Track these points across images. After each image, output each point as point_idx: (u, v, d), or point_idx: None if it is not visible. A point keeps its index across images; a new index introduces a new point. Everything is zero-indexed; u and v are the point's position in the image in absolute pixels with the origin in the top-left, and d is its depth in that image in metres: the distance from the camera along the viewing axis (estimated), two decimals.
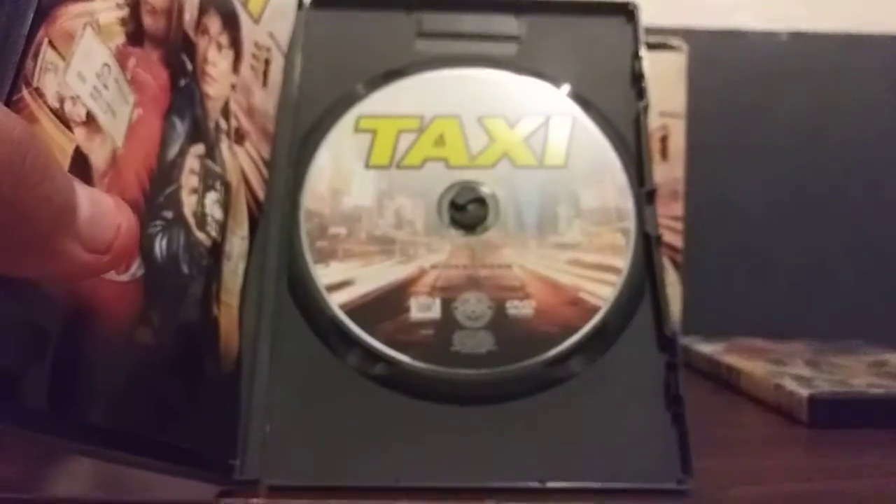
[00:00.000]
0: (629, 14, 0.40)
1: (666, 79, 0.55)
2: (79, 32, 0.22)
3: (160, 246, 0.26)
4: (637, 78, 0.39)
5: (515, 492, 0.30)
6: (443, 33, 0.40)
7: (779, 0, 0.72)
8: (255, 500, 0.29)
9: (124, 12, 0.25)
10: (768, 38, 0.71)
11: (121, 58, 0.24)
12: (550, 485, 0.30)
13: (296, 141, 0.37)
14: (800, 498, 0.31)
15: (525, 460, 0.31)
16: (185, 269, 0.28)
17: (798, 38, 0.71)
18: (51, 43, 0.20)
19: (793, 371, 0.47)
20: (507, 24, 0.40)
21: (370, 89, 0.38)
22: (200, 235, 0.29)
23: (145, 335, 0.25)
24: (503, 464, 0.31)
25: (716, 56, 0.69)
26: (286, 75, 0.38)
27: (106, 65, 0.23)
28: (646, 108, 0.38)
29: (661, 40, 0.55)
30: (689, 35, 0.58)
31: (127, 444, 0.23)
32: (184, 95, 0.29)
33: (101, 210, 0.19)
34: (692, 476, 0.30)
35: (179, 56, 0.29)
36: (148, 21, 0.26)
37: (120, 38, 0.24)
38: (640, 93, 0.38)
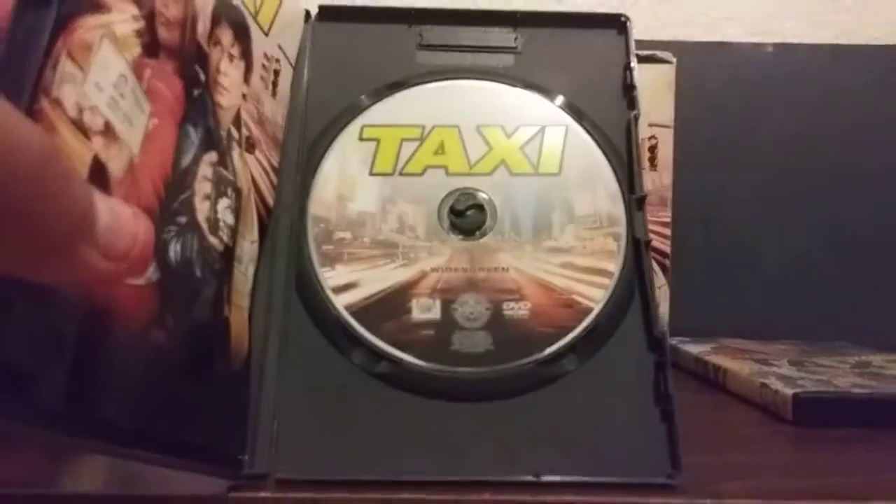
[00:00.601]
0: (621, 26, 0.42)
1: (655, 90, 0.56)
2: (96, 44, 0.22)
3: (175, 250, 0.27)
4: (628, 88, 0.40)
5: (511, 485, 0.31)
6: (443, 45, 0.41)
7: (766, 13, 0.74)
8: (263, 494, 0.29)
9: (140, 24, 0.25)
10: (755, 49, 0.73)
11: (137, 68, 0.25)
12: (545, 478, 0.31)
13: (303, 149, 0.38)
14: (785, 493, 0.31)
15: (521, 455, 0.32)
16: (199, 272, 0.29)
17: (784, 49, 0.73)
18: (69, 54, 0.21)
19: (778, 371, 0.48)
20: (504, 36, 0.41)
21: (374, 100, 0.39)
22: (213, 240, 0.30)
23: (160, 336, 0.25)
24: (500, 458, 0.32)
25: (704, 67, 0.70)
26: (294, 85, 0.39)
27: (123, 75, 0.24)
28: (636, 118, 0.39)
29: (651, 53, 0.56)
30: (677, 47, 0.59)
31: (142, 442, 0.24)
32: (197, 105, 0.29)
33: (119, 219, 0.19)
34: (681, 471, 0.31)
35: (193, 67, 0.29)
36: (163, 32, 0.27)
37: (136, 50, 0.25)
38: (632, 102, 0.40)
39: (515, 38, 0.41)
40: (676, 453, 0.31)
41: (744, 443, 0.39)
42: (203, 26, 0.30)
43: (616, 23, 0.42)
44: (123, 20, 0.24)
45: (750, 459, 0.35)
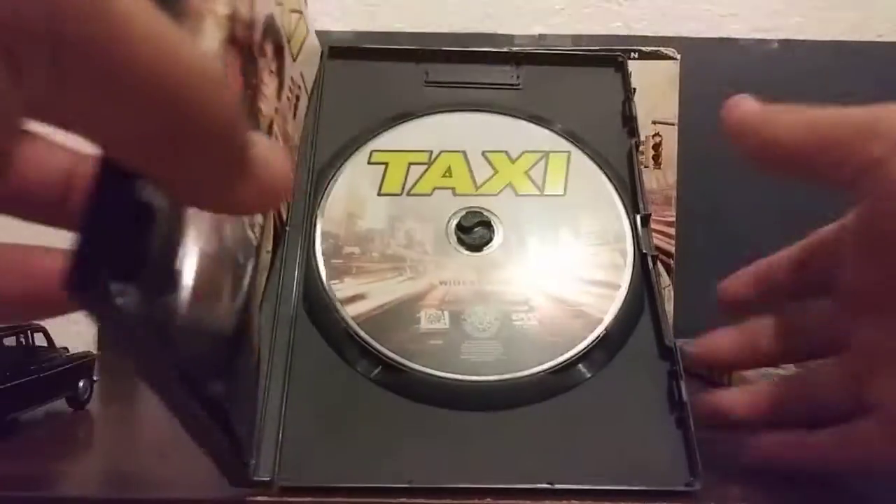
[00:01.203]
0: (618, 65, 0.44)
1: (659, 87, 0.56)
2: (205, 14, 0.23)
3: (228, 227, 0.26)
4: (627, 119, 0.42)
5: (524, 493, 0.30)
6: (448, 82, 0.43)
7: (771, 9, 0.74)
8: (262, 498, 0.29)
9: (230, 10, 0.26)
10: (760, 45, 0.73)
11: (223, 52, 0.25)
12: (560, 486, 0.30)
13: (315, 170, 0.39)
14: (796, 498, 0.31)
15: (535, 463, 0.31)
16: (241, 259, 0.28)
17: (789, 45, 0.73)
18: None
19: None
20: (506, 74, 0.43)
21: (382, 128, 0.41)
22: (249, 233, 0.30)
23: (218, 308, 0.25)
24: (512, 466, 0.31)
25: (708, 64, 0.70)
26: (309, 114, 0.41)
27: (217, 52, 0.24)
28: (637, 145, 0.41)
29: (655, 49, 0.56)
30: (681, 43, 0.59)
31: (195, 397, 0.22)
32: (247, 105, 0.30)
33: (276, 153, 0.19)
34: (700, 478, 0.30)
35: (248, 68, 0.30)
36: (237, 27, 0.28)
37: (225, 33, 0.26)
38: (632, 131, 0.41)
39: (517, 77, 0.43)
40: (695, 460, 0.31)
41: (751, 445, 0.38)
42: (257, 35, 0.31)
43: (613, 62, 0.44)
44: (221, 1, 0.25)
45: (758, 463, 0.34)
